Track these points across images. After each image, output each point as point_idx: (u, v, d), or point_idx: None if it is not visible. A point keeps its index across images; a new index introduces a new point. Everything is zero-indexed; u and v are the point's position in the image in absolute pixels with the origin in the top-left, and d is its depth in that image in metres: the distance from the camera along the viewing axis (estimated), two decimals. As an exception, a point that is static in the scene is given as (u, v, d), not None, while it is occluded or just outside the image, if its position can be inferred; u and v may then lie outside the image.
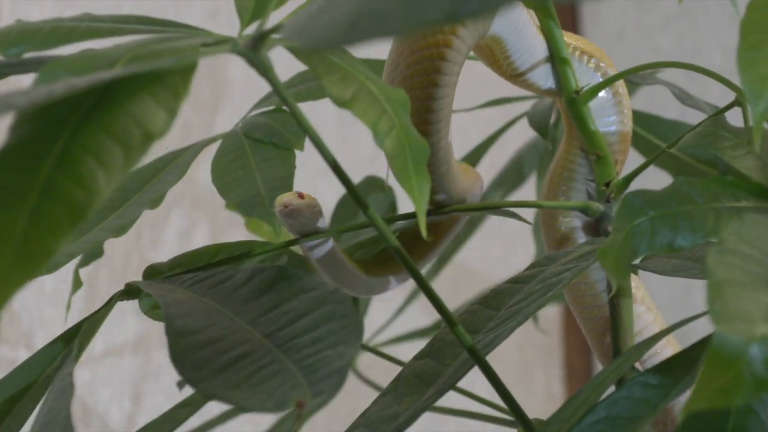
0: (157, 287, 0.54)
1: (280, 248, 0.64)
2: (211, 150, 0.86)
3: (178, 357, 0.45)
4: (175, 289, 0.53)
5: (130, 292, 0.59)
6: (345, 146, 1.48)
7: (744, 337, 0.38)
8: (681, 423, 0.41)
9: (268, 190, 0.67)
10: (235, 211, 0.85)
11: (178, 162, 0.70)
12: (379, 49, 0.56)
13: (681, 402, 0.69)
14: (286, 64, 0.59)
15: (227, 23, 1.32)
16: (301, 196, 0.63)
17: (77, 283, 0.73)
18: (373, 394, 0.73)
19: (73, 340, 0.56)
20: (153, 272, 0.62)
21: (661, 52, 1.62)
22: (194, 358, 0.45)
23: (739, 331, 0.38)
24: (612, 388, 0.58)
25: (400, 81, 0.64)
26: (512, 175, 1.03)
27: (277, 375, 0.44)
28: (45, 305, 1.17)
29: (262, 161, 0.69)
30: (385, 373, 1.19)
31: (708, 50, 1.59)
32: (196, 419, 0.88)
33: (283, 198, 0.62)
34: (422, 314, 1.41)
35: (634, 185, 0.67)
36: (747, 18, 0.50)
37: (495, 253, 1.65)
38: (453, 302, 1.01)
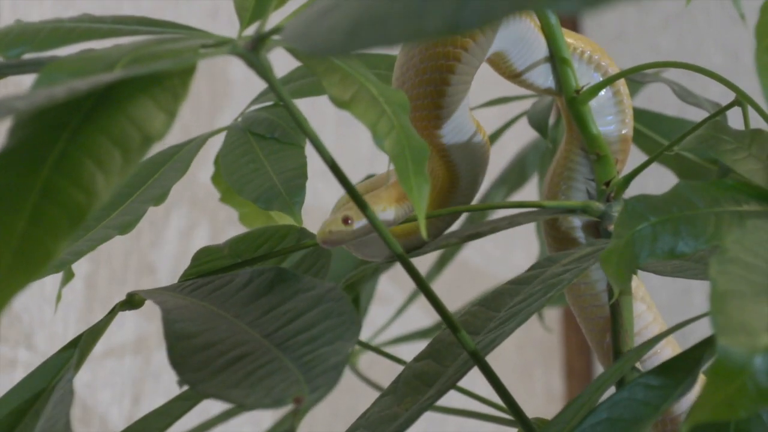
0: (158, 295, 0.54)
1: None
2: (211, 150, 0.86)
3: (176, 360, 0.45)
4: (175, 296, 0.53)
5: (131, 301, 0.59)
6: (344, 147, 1.48)
7: (747, 349, 0.38)
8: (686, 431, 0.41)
9: (282, 181, 0.67)
10: (230, 204, 0.85)
11: (180, 156, 0.70)
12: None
13: (680, 401, 0.69)
14: (284, 58, 0.59)
15: (227, 23, 1.32)
16: (346, 220, 0.61)
17: (68, 275, 0.73)
18: (374, 393, 0.74)
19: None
20: (209, 253, 0.63)
21: (661, 52, 1.62)
22: (193, 361, 0.45)
23: (742, 344, 0.38)
24: (612, 389, 0.58)
25: (411, 86, 0.65)
26: (514, 174, 1.03)
27: (275, 373, 0.44)
28: (45, 306, 1.17)
29: (270, 154, 0.69)
30: (385, 373, 1.20)
31: (708, 50, 1.59)
32: (195, 418, 0.88)
33: (323, 231, 0.61)
34: (423, 315, 1.41)
35: (635, 183, 0.67)
36: (761, 21, 0.49)
37: (495, 253, 1.65)
38: (454, 302, 1.01)
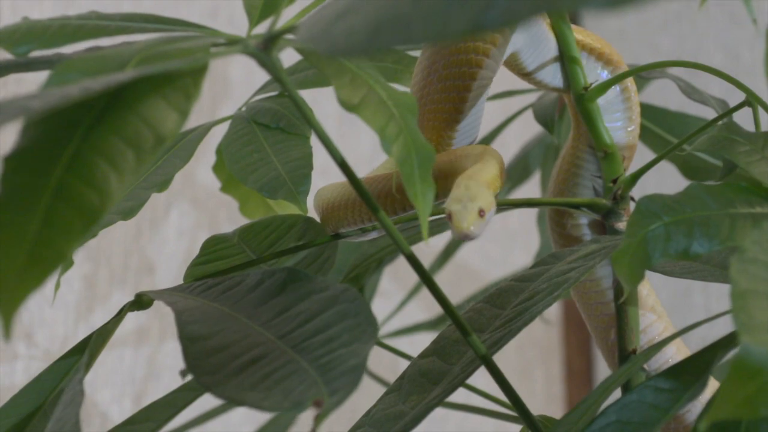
0: (169, 296, 0.54)
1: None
2: (212, 148, 0.86)
3: (192, 362, 0.45)
4: (186, 297, 0.53)
5: (140, 302, 0.58)
6: (345, 145, 1.47)
7: None
8: (703, 431, 0.41)
9: (288, 171, 0.66)
10: (230, 194, 0.84)
11: (183, 144, 0.70)
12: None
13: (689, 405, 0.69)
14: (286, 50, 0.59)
15: (227, 24, 1.31)
16: (481, 212, 0.56)
17: (68, 263, 0.72)
18: (375, 391, 0.73)
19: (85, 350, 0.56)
20: (218, 241, 0.62)
21: (661, 51, 1.62)
22: (208, 363, 0.45)
23: (764, 343, 0.37)
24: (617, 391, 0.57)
25: (433, 90, 0.65)
26: (518, 169, 1.03)
27: (292, 375, 0.44)
28: (45, 305, 1.16)
29: (275, 143, 0.69)
30: (388, 367, 1.19)
31: (708, 50, 1.59)
32: (196, 411, 0.87)
33: (463, 226, 0.55)
34: (422, 310, 1.41)
35: (641, 181, 0.67)
36: None
37: (495, 252, 1.65)
38: (453, 302, 1.01)
